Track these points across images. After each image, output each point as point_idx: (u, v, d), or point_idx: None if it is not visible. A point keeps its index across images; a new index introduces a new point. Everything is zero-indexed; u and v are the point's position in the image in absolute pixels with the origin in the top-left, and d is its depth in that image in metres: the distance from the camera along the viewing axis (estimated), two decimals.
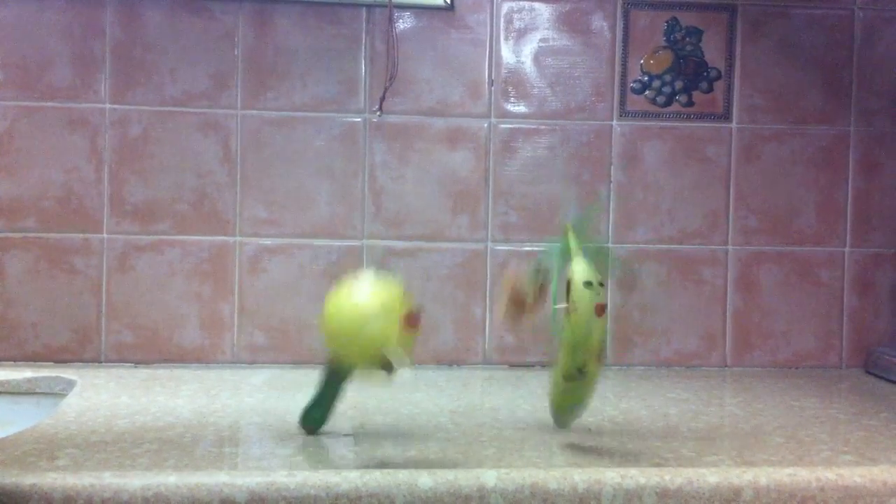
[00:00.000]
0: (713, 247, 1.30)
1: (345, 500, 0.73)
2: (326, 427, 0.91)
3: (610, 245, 1.29)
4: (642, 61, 1.28)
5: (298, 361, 1.24)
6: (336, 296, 0.82)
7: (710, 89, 1.29)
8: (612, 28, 1.28)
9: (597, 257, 0.85)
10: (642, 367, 1.29)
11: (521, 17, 1.27)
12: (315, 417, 0.89)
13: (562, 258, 0.85)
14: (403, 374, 0.79)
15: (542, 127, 1.27)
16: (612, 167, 1.28)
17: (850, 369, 1.31)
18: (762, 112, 1.30)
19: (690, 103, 1.29)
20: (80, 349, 1.22)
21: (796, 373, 1.29)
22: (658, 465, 0.78)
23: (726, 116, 1.30)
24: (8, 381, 1.14)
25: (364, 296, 0.80)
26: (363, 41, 1.25)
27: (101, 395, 1.04)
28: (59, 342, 1.22)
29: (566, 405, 0.87)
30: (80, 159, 1.22)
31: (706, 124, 1.29)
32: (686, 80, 1.29)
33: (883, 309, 1.32)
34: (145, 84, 1.23)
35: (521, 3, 1.27)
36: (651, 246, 1.29)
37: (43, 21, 1.21)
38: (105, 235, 1.23)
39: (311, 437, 0.87)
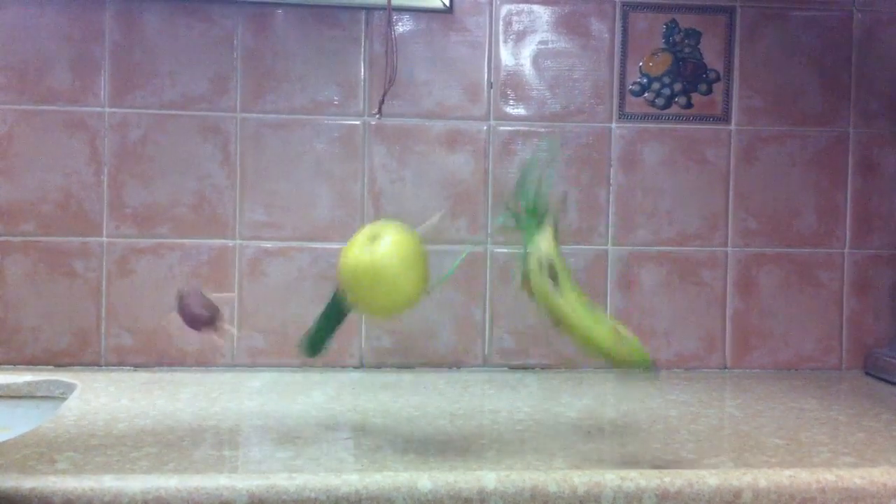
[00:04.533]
0: (713, 248, 1.30)
1: (345, 503, 0.73)
2: (326, 429, 0.91)
3: (608, 247, 1.29)
4: (641, 63, 1.28)
5: (298, 364, 1.24)
6: (356, 249, 0.83)
7: (709, 91, 1.29)
8: (611, 30, 1.28)
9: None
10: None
11: (520, 19, 1.27)
12: (317, 344, 0.91)
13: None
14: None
15: (542, 129, 1.28)
16: (612, 169, 1.28)
17: (850, 371, 1.31)
18: (761, 114, 1.30)
19: (689, 105, 1.29)
20: (79, 352, 1.22)
21: (796, 374, 1.29)
22: (658, 467, 0.79)
23: (725, 118, 1.30)
24: (8, 385, 1.14)
25: (385, 252, 0.81)
26: (362, 44, 1.25)
27: (100, 399, 1.04)
28: (58, 346, 1.22)
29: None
30: (79, 163, 1.22)
31: (705, 126, 1.29)
32: (685, 82, 1.29)
33: (882, 310, 1.32)
34: (144, 87, 1.23)
35: (519, 5, 1.27)
36: (650, 248, 1.29)
37: (42, 24, 1.21)
38: (104, 239, 1.23)
39: (310, 439, 0.87)
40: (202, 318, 0.90)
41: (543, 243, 0.86)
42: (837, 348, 1.32)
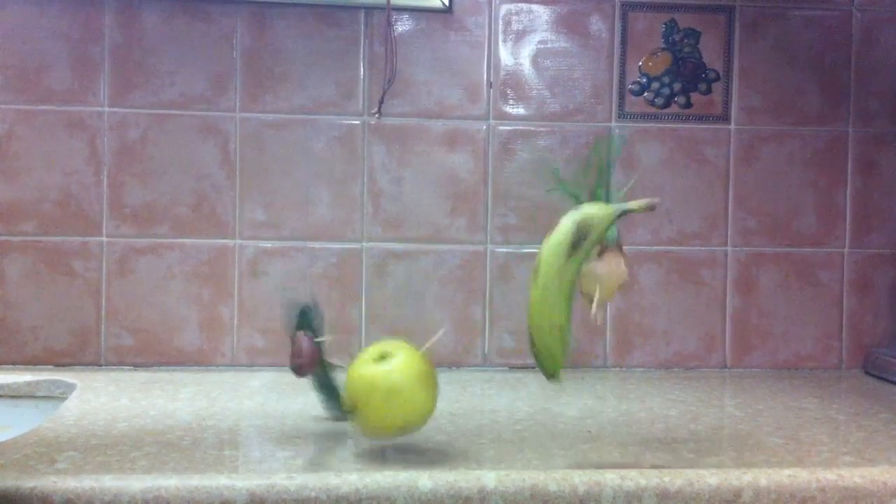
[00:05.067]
0: (712, 248, 1.30)
1: (345, 503, 0.73)
2: (326, 429, 0.91)
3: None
4: (641, 63, 1.28)
5: None
6: (367, 365, 0.81)
7: (708, 91, 1.29)
8: (611, 30, 1.28)
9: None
10: (642, 369, 1.29)
11: (520, 19, 1.27)
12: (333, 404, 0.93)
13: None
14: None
15: (541, 129, 1.28)
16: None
17: (850, 370, 1.31)
18: (760, 113, 1.30)
19: (689, 105, 1.29)
20: (79, 352, 1.22)
21: (796, 374, 1.29)
22: (658, 466, 0.79)
23: (725, 118, 1.30)
24: (8, 385, 1.14)
25: (399, 369, 0.81)
26: (361, 43, 1.25)
27: (100, 399, 1.04)
28: (58, 345, 1.22)
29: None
30: (78, 162, 1.22)
31: (705, 126, 1.29)
32: (684, 81, 1.29)
33: (882, 310, 1.32)
34: (144, 87, 1.23)
35: (519, 5, 1.27)
36: (650, 247, 1.29)
37: (42, 24, 1.21)
38: (104, 238, 1.23)
39: (310, 439, 0.87)
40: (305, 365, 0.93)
41: (597, 210, 0.83)
42: (837, 348, 1.32)
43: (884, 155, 1.32)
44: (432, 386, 0.82)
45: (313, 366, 0.92)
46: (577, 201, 0.85)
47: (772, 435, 0.92)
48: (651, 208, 0.84)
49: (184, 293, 1.23)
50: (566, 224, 0.82)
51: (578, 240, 0.81)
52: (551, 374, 0.84)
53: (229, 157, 1.24)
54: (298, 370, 0.92)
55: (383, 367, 0.81)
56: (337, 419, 0.93)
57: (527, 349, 1.26)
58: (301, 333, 0.92)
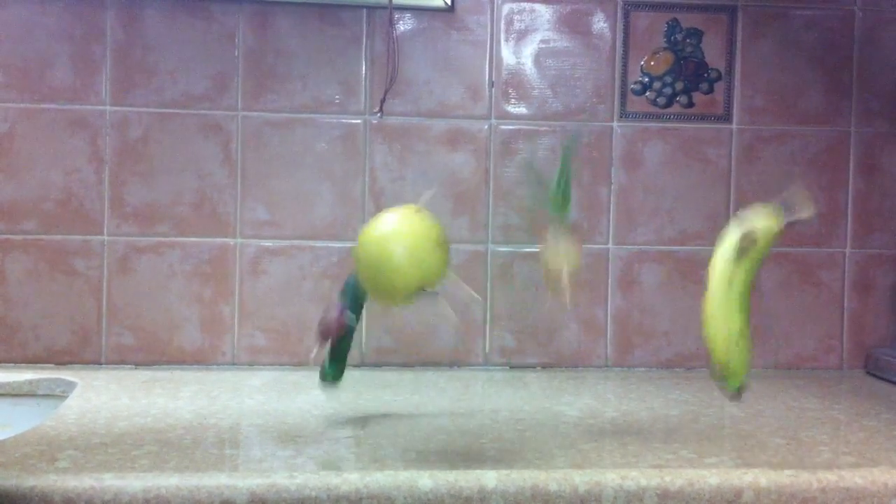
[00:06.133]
0: (714, 248, 1.29)
1: (345, 502, 0.73)
2: (327, 428, 0.91)
3: (610, 247, 1.29)
4: (643, 62, 1.28)
5: (299, 363, 1.24)
6: (373, 232, 0.83)
7: (710, 90, 1.29)
8: (613, 29, 1.28)
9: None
10: (643, 369, 1.29)
11: (522, 18, 1.27)
12: (334, 371, 0.94)
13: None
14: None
15: (543, 128, 1.27)
16: (613, 168, 1.28)
17: (851, 370, 1.31)
18: (762, 113, 1.30)
19: (691, 104, 1.29)
20: (80, 351, 1.22)
21: (797, 374, 1.28)
22: (659, 466, 0.78)
23: (727, 117, 1.30)
24: (8, 383, 1.15)
25: (399, 234, 0.83)
26: (363, 43, 1.25)
27: (101, 397, 1.04)
28: (59, 344, 1.22)
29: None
30: (80, 161, 1.22)
31: (707, 125, 1.29)
32: (686, 81, 1.29)
33: (883, 310, 1.32)
34: (146, 86, 1.23)
35: (521, 4, 1.27)
36: (651, 247, 1.29)
37: (44, 23, 1.21)
38: (105, 237, 1.23)
39: (311, 438, 0.87)
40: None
41: (761, 221, 0.85)
42: (838, 348, 1.32)
43: (886, 155, 1.32)
44: (428, 251, 0.83)
45: (336, 334, 0.93)
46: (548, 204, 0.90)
47: (773, 435, 0.92)
48: (810, 216, 0.85)
49: (185, 292, 1.23)
50: (732, 234, 0.86)
51: (744, 249, 0.84)
52: (734, 391, 0.84)
53: (231, 156, 1.24)
54: (324, 333, 0.93)
55: (378, 230, 0.82)
56: (324, 387, 0.96)
57: (527, 348, 1.27)
58: (339, 304, 0.93)
